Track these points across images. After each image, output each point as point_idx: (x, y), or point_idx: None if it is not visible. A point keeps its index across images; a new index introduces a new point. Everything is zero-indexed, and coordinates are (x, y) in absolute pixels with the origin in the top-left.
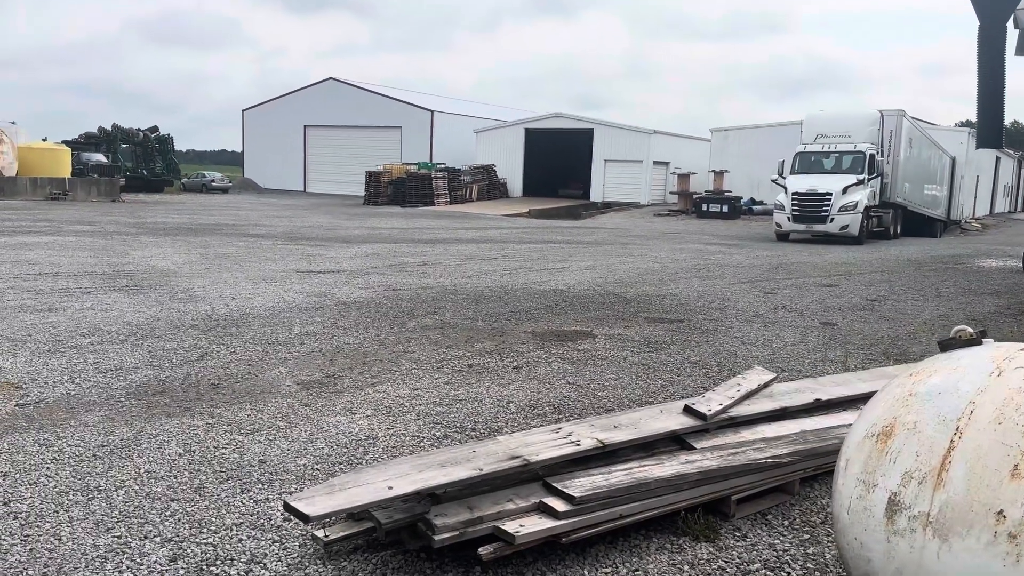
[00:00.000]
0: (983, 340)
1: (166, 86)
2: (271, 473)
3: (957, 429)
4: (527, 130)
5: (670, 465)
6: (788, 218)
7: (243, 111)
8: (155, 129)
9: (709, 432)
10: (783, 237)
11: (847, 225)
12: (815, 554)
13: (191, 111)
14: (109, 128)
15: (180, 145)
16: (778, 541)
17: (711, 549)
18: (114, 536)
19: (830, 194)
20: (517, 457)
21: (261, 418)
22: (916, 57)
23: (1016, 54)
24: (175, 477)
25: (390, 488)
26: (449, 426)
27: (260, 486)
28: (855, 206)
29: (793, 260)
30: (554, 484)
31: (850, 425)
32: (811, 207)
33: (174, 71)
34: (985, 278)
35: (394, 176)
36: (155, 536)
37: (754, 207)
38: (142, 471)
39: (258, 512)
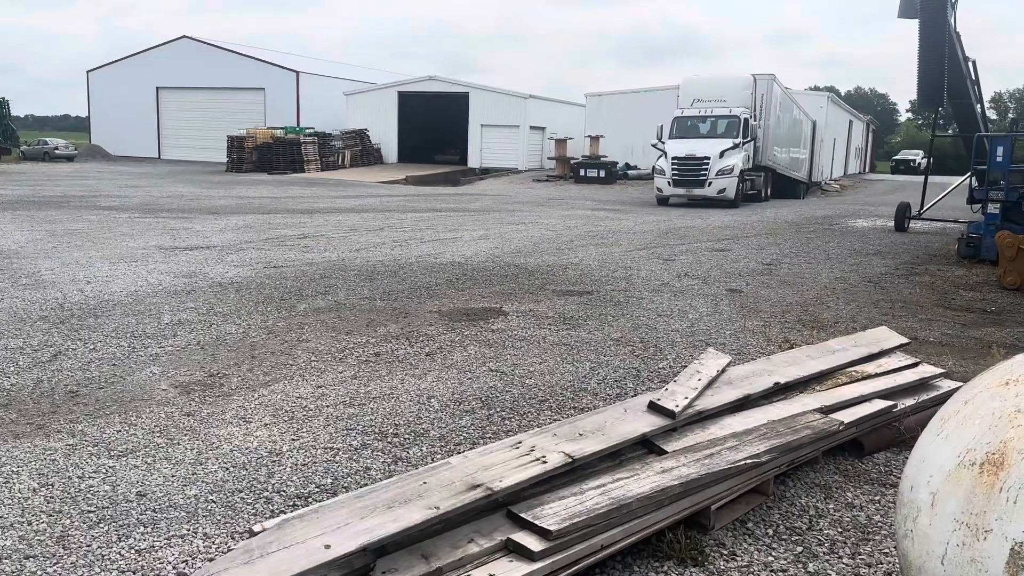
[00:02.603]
0: None
1: None
2: (154, 510)
3: None
4: (400, 93)
5: (647, 477)
6: (669, 182)
7: (88, 72)
8: None
9: (677, 430)
10: (663, 201)
11: (724, 189)
12: (818, 573)
13: (28, 73)
14: None
15: (18, 110)
16: (771, 558)
17: None
18: None
19: (708, 158)
20: (478, 486)
21: (135, 434)
22: (767, 25)
23: (899, 16)
24: (29, 523)
25: (327, 547)
26: (367, 432)
27: (142, 529)
28: (732, 170)
29: (679, 225)
30: (523, 515)
31: (817, 411)
32: (690, 171)
33: (7, 30)
34: (863, 238)
35: (259, 141)
36: None
37: (629, 172)
38: None
39: (142, 567)
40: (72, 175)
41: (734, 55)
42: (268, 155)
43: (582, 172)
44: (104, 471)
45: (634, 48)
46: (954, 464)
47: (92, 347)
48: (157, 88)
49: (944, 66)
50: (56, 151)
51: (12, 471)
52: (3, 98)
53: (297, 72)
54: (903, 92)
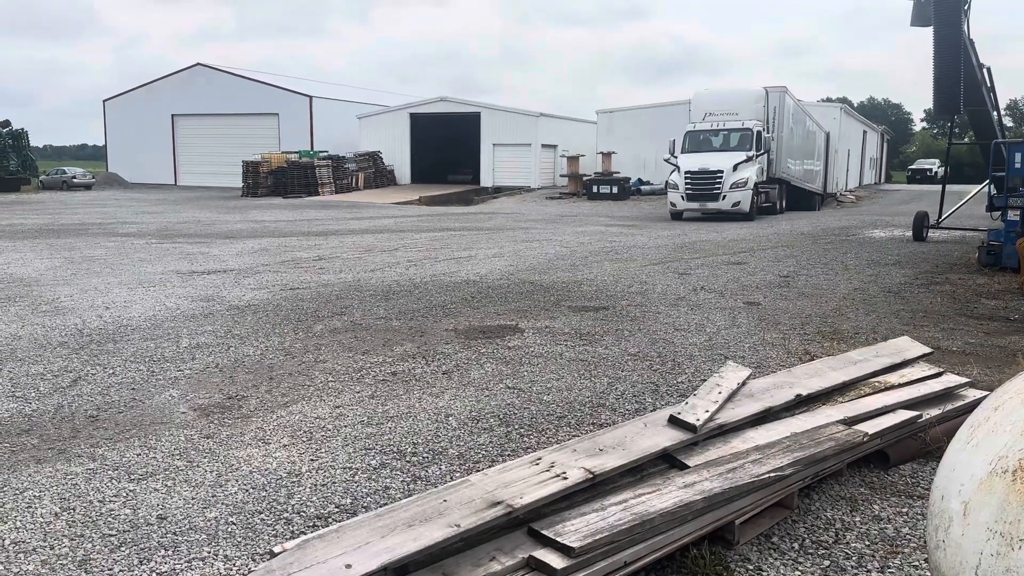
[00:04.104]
0: None
1: (17, 78)
2: (175, 533)
3: None
4: (412, 115)
5: (669, 492)
6: (682, 197)
7: (104, 102)
8: (7, 123)
9: (699, 445)
10: (677, 216)
11: (739, 202)
12: None
13: (46, 104)
14: None
15: (36, 140)
16: (798, 573)
17: None
18: None
19: (721, 172)
20: (498, 503)
21: (155, 458)
22: (772, 37)
23: (911, 24)
24: (51, 548)
25: (348, 567)
26: (385, 452)
27: (163, 553)
28: (746, 183)
29: (694, 239)
30: (544, 533)
31: (840, 423)
32: (704, 185)
33: (25, 62)
34: (881, 249)
35: (274, 166)
36: None
37: (642, 187)
38: (7, 542)
39: None
40: (90, 203)
41: (743, 69)
42: (283, 179)
43: (595, 189)
44: (125, 495)
45: (642, 65)
46: (986, 472)
47: (111, 372)
48: (172, 115)
49: (960, 73)
50: (74, 180)
51: (34, 496)
52: (22, 129)
53: (310, 97)
54: (917, 102)
